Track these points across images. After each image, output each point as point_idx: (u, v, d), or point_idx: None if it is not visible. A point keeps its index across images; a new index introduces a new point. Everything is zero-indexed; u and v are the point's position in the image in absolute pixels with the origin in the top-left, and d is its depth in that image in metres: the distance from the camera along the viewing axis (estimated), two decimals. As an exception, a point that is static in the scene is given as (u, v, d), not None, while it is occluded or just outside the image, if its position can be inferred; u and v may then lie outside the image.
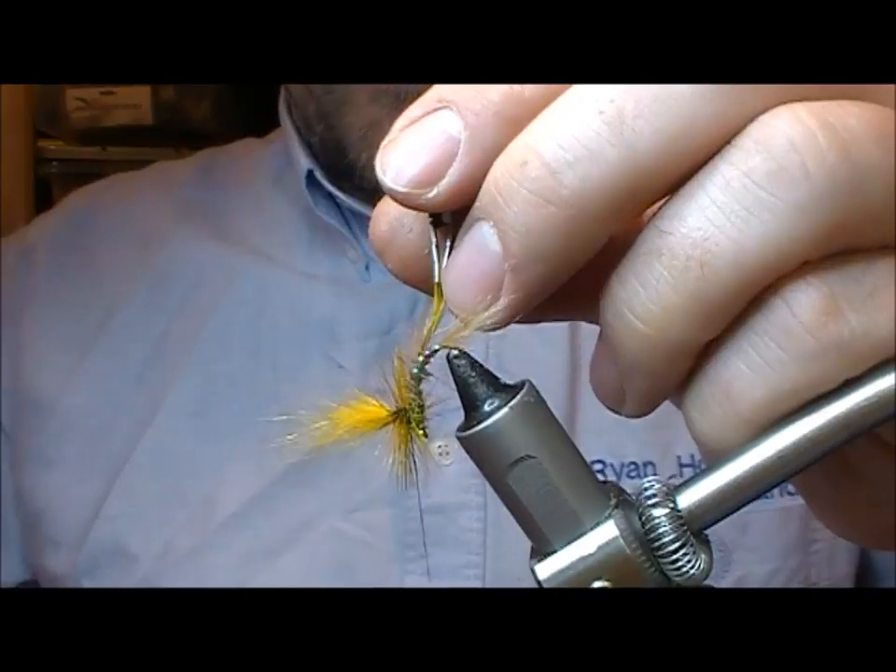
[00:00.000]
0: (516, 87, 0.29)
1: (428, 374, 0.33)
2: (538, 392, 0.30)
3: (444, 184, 0.29)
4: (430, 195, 0.29)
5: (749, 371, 0.28)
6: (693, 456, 0.64)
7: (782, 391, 0.29)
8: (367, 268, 0.70)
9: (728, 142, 0.28)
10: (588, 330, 0.61)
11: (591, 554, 0.30)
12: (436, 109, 0.29)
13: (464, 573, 0.61)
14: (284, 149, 0.74)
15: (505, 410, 0.30)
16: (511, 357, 0.63)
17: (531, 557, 0.31)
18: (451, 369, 0.31)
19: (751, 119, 0.28)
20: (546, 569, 0.31)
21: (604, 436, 0.65)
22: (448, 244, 0.31)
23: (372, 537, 0.62)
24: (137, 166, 0.85)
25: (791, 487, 0.61)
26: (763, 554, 0.64)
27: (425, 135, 0.29)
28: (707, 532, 0.31)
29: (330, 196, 0.69)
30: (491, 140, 0.28)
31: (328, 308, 0.68)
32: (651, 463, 0.63)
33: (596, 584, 0.30)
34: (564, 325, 0.62)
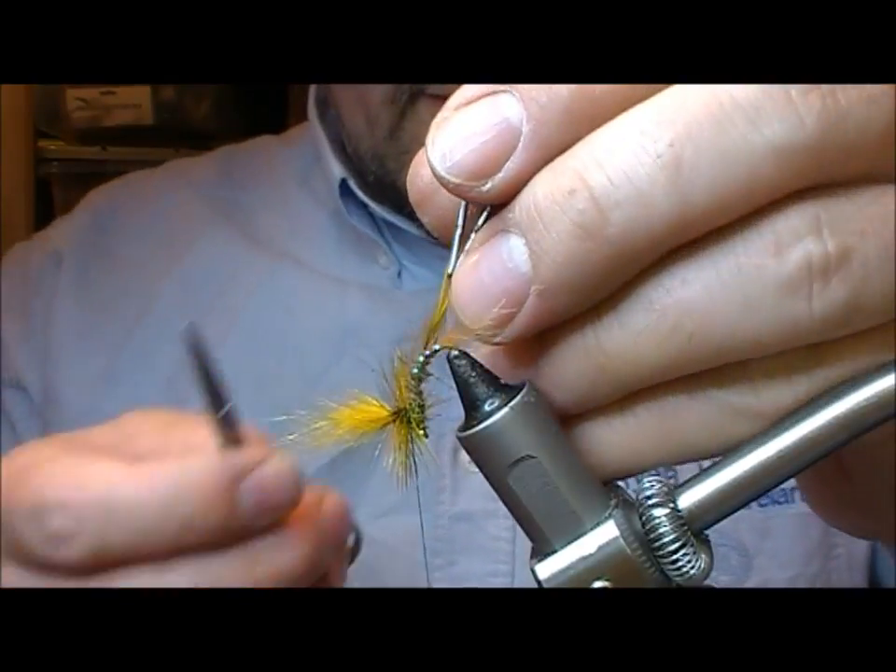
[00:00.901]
0: (586, 85, 0.27)
1: (429, 374, 0.33)
2: (538, 392, 0.30)
3: (500, 178, 0.27)
4: (484, 188, 0.27)
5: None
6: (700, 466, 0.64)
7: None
8: (399, 275, 0.69)
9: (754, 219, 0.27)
10: None
11: (591, 554, 0.30)
12: (495, 92, 0.27)
13: (491, 581, 0.60)
14: (310, 150, 0.74)
15: (505, 410, 0.30)
16: None
17: (531, 557, 0.31)
18: (451, 369, 0.31)
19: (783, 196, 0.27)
20: (546, 569, 0.31)
21: None
22: (479, 223, 0.29)
23: (399, 543, 0.61)
24: (138, 166, 0.85)
25: None
26: (784, 559, 0.64)
27: (481, 119, 0.27)
28: (707, 532, 0.31)
29: (362, 203, 0.68)
30: (556, 139, 0.27)
31: (359, 314, 0.67)
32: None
33: (597, 584, 0.30)
34: None
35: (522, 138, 0.27)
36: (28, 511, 0.39)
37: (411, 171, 0.31)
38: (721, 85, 0.27)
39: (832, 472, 0.37)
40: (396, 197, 0.67)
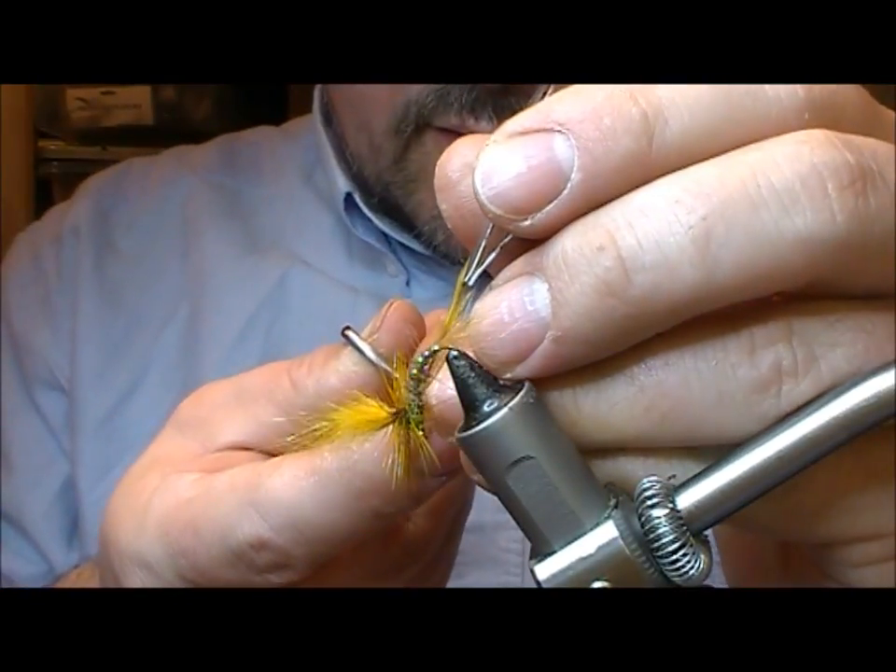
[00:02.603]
0: (644, 142, 0.27)
1: (428, 375, 0.33)
2: (537, 393, 0.30)
3: (540, 219, 0.28)
4: (522, 224, 0.28)
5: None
6: None
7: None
8: (407, 283, 0.69)
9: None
10: None
11: (590, 555, 0.30)
12: (551, 130, 0.28)
13: None
14: (313, 147, 0.73)
15: (504, 410, 0.30)
16: None
17: (531, 557, 0.31)
18: (450, 369, 0.31)
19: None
20: (546, 570, 0.31)
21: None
22: (502, 242, 0.30)
23: None
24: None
25: None
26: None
27: (533, 155, 0.27)
28: (706, 533, 0.31)
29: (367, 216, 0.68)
30: (602, 192, 0.27)
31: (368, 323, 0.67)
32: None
33: (596, 585, 0.30)
34: None
35: (569, 185, 0.27)
36: (226, 555, 0.37)
37: (444, 156, 0.31)
38: (761, 165, 0.27)
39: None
40: (402, 218, 0.66)
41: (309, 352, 0.68)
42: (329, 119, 0.73)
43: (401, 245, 0.67)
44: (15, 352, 0.74)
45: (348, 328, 0.39)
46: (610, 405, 0.29)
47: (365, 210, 0.65)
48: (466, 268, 0.31)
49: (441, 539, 0.43)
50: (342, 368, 0.38)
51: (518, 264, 0.29)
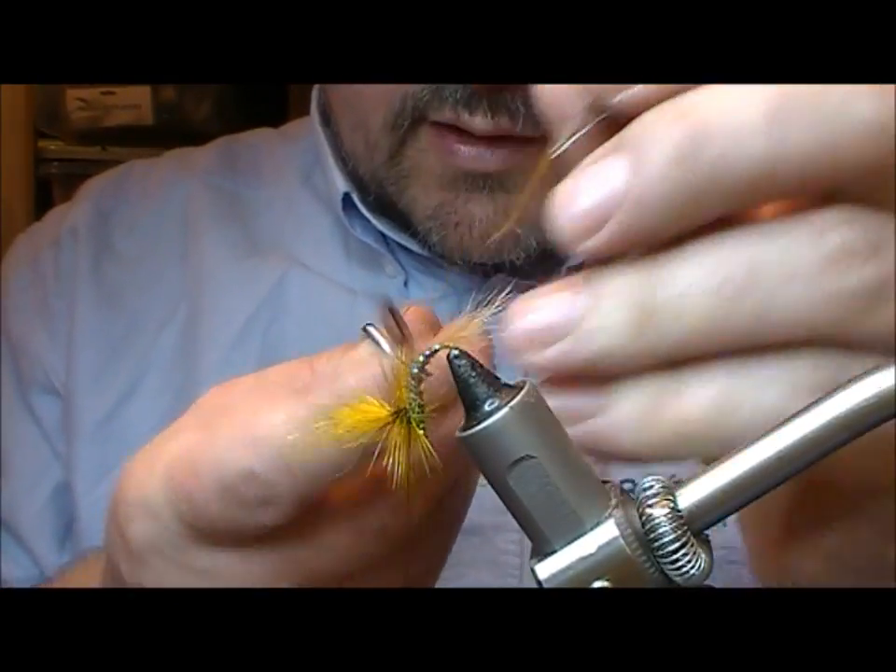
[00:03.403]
0: (695, 188, 0.29)
1: (429, 374, 0.33)
2: (538, 392, 0.30)
3: (591, 245, 0.30)
4: (585, 247, 0.30)
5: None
6: None
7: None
8: (405, 284, 0.68)
9: None
10: None
11: (591, 554, 0.30)
12: (613, 154, 0.30)
13: None
14: (312, 149, 0.73)
15: (505, 410, 0.30)
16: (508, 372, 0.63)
17: (531, 557, 0.31)
18: (451, 369, 0.31)
19: None
20: (546, 569, 0.31)
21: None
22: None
23: None
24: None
25: None
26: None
27: (591, 184, 0.30)
28: (707, 532, 0.31)
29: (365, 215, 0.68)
30: (646, 230, 0.29)
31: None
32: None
33: (597, 584, 0.30)
34: None
35: (618, 212, 0.29)
36: (219, 491, 0.37)
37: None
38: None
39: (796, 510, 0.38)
40: (398, 217, 0.66)
41: (307, 353, 0.68)
42: (327, 119, 0.73)
43: (399, 245, 0.67)
44: (12, 355, 0.74)
45: (370, 324, 0.40)
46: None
47: (362, 210, 0.65)
48: (554, 145, 0.32)
49: (437, 524, 0.43)
50: (358, 356, 0.38)
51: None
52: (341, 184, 0.66)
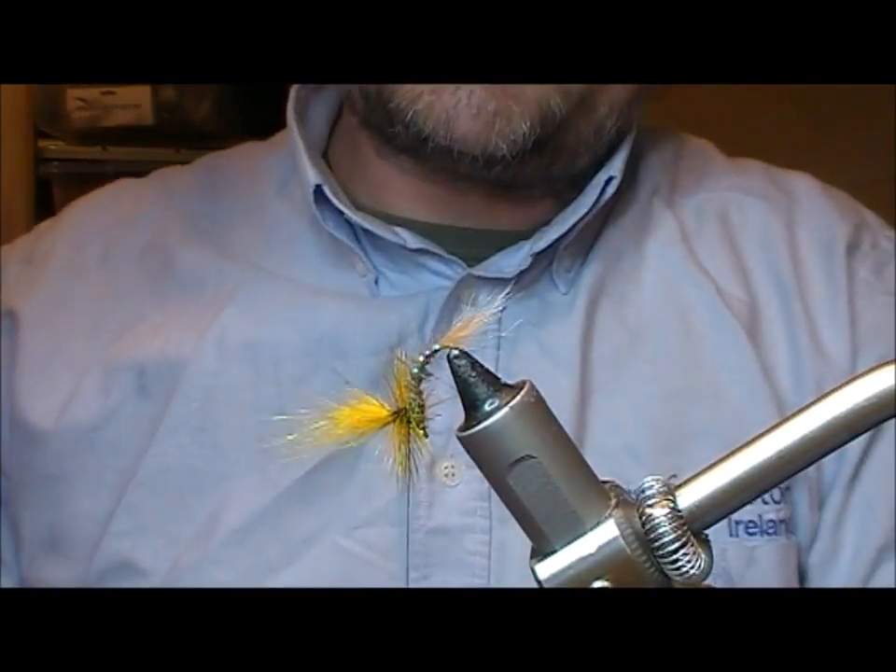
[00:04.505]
0: None
1: (429, 374, 0.33)
2: (538, 392, 0.30)
3: None
4: None
5: None
6: None
7: None
8: (376, 282, 0.68)
9: None
10: (600, 355, 0.60)
11: (591, 554, 0.30)
12: None
13: None
14: (289, 156, 0.73)
15: (505, 410, 0.30)
16: (521, 378, 0.62)
17: (531, 557, 0.31)
18: (451, 369, 0.31)
19: None
20: (546, 569, 0.31)
21: (612, 461, 0.64)
22: None
23: (375, 555, 0.61)
24: (138, 166, 0.84)
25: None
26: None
27: None
28: (706, 532, 0.31)
29: (338, 210, 0.67)
30: None
31: (334, 322, 0.66)
32: None
33: (597, 584, 0.30)
34: (576, 348, 0.61)
35: None
36: None
37: None
38: None
39: None
40: (383, 113, 0.61)
41: (270, 354, 0.68)
42: (303, 116, 0.72)
43: (371, 242, 0.67)
44: None
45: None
46: None
47: (335, 202, 0.64)
48: None
49: None
50: None
51: None
52: (312, 176, 0.65)
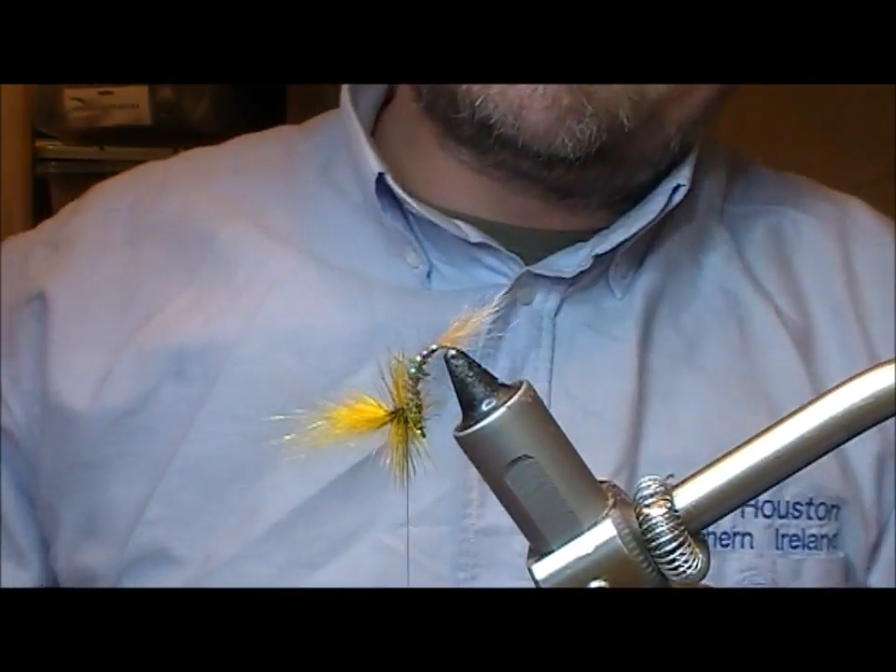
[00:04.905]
0: None
1: (426, 374, 0.33)
2: (535, 392, 0.30)
3: None
4: None
5: None
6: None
7: None
8: (428, 275, 0.67)
9: None
10: (657, 361, 0.60)
11: (588, 554, 0.30)
12: None
13: None
14: (333, 141, 0.71)
15: (502, 409, 0.30)
16: (576, 380, 0.62)
17: (528, 557, 0.31)
18: (448, 368, 0.31)
19: None
20: (544, 569, 0.31)
21: (666, 467, 0.64)
22: None
23: (421, 554, 0.60)
24: (136, 166, 0.83)
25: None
26: None
27: None
28: (703, 532, 0.31)
29: (395, 199, 0.66)
30: None
31: (388, 314, 0.65)
32: None
33: (594, 584, 0.30)
34: (634, 353, 0.61)
35: None
36: None
37: None
38: None
39: None
40: (448, 98, 0.60)
41: (319, 344, 0.67)
42: (357, 100, 0.70)
43: (426, 233, 0.66)
44: None
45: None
46: None
47: (396, 190, 0.63)
48: None
49: None
50: None
51: None
52: (375, 164, 0.64)
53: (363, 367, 0.63)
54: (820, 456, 0.30)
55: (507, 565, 0.59)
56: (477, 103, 0.56)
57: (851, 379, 0.30)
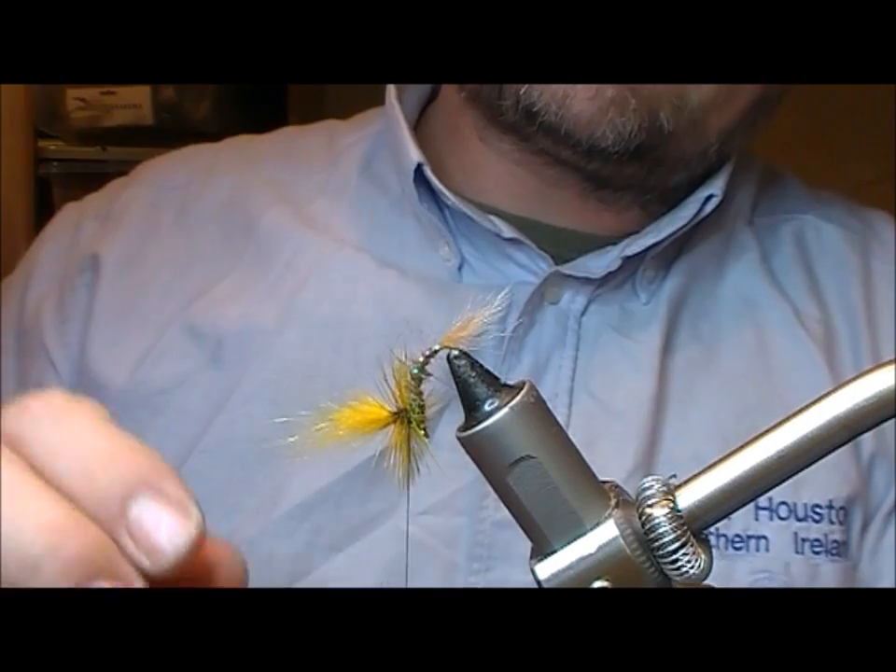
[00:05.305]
0: None
1: (429, 374, 0.33)
2: (538, 392, 0.30)
3: None
4: None
5: None
6: (770, 499, 0.63)
7: None
8: (459, 269, 0.67)
9: None
10: (676, 366, 0.60)
11: (591, 554, 0.30)
12: None
13: None
14: (377, 134, 0.72)
15: (505, 410, 0.30)
16: (598, 380, 0.62)
17: (531, 557, 0.31)
18: (451, 369, 0.31)
19: None
20: (546, 569, 0.31)
21: (681, 470, 0.64)
22: None
23: (438, 543, 0.60)
24: (138, 166, 0.84)
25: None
26: None
27: None
28: (706, 532, 0.31)
29: (431, 191, 0.66)
30: None
31: (418, 306, 0.65)
32: None
33: (596, 584, 0.30)
34: (656, 357, 0.61)
35: None
36: None
37: None
38: None
39: None
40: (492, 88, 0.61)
41: (352, 334, 0.67)
42: (401, 93, 0.71)
43: (460, 227, 0.66)
44: (18, 325, 0.73)
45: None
46: None
47: (434, 182, 0.63)
48: None
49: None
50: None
51: None
52: (415, 155, 0.64)
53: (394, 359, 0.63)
54: (822, 457, 0.30)
55: (521, 557, 0.59)
56: (522, 90, 0.57)
57: (853, 379, 0.30)
